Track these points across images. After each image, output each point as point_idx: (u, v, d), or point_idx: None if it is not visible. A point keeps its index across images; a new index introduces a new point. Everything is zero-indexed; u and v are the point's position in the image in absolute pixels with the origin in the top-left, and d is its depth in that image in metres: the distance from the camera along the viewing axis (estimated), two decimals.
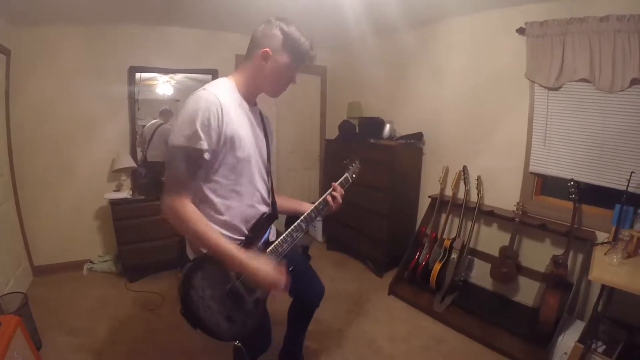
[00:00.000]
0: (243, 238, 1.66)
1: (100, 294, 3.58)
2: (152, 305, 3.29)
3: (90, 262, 4.11)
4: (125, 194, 3.82)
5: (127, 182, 4.05)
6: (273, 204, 1.88)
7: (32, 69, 3.64)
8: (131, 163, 3.97)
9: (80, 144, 3.96)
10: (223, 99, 1.43)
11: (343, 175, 2.05)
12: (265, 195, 1.76)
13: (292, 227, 1.73)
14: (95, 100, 3.93)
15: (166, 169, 1.45)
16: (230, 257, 1.44)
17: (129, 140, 4.17)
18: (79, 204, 4.04)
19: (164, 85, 4.31)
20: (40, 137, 3.78)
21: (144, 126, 4.21)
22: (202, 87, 1.46)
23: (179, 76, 4.34)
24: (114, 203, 3.70)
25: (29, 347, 2.32)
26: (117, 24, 3.88)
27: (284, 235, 1.71)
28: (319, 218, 1.87)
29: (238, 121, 1.51)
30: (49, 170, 3.87)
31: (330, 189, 1.87)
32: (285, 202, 1.95)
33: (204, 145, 1.38)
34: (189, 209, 1.43)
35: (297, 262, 1.80)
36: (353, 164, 2.12)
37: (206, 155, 1.40)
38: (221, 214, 1.59)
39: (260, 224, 1.74)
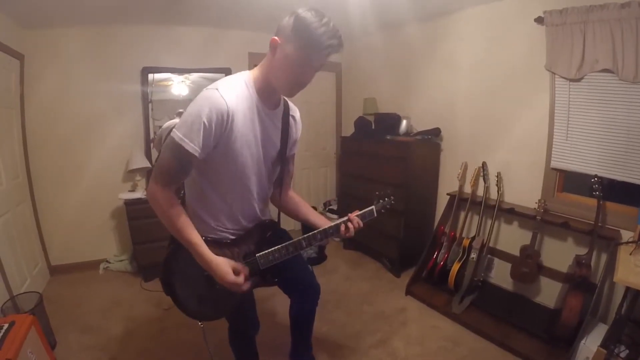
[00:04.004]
0: (233, 237, 1.68)
1: (115, 293, 3.62)
2: (166, 304, 3.28)
3: (107, 261, 4.17)
4: (140, 194, 3.85)
5: (142, 182, 4.08)
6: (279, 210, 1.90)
7: (45, 72, 3.70)
8: (146, 163, 3.99)
9: (95, 145, 4.01)
10: (231, 101, 1.38)
11: (370, 206, 1.89)
12: (262, 200, 1.75)
13: (290, 242, 1.67)
14: (109, 102, 3.98)
15: (159, 156, 1.44)
16: (196, 253, 1.45)
17: (144, 141, 4.21)
18: (94, 204, 4.10)
19: (179, 86, 4.33)
20: (54, 139, 3.84)
21: (160, 127, 4.23)
22: (214, 86, 1.40)
23: (194, 76, 4.35)
24: (128, 203, 3.74)
25: (42, 345, 2.35)
26: (128, 25, 3.92)
27: (279, 246, 1.65)
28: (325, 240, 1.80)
29: (244, 126, 1.45)
30: (64, 171, 3.94)
31: (346, 218, 1.75)
32: (302, 211, 1.91)
33: (197, 150, 1.35)
34: (170, 202, 1.42)
35: (290, 262, 1.74)
36: (386, 198, 1.96)
37: (199, 156, 1.38)
38: (212, 210, 1.62)
39: (256, 228, 1.75)
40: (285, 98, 1.68)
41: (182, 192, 1.74)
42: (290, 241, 1.66)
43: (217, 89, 1.37)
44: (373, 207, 1.88)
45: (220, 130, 1.38)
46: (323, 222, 1.79)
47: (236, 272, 1.50)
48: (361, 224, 1.76)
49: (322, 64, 1.42)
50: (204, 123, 1.33)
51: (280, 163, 1.74)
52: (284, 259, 1.67)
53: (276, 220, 1.91)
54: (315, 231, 1.70)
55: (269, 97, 1.53)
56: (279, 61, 1.40)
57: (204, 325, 1.86)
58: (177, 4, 3.39)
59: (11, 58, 3.34)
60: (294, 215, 1.93)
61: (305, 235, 1.68)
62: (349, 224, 1.72)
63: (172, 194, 1.43)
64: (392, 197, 1.97)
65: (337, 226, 1.72)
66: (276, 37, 1.38)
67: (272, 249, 1.64)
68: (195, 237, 1.45)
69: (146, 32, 4.03)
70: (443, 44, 3.86)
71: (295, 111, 1.77)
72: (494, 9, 3.31)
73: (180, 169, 1.41)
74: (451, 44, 3.77)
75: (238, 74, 1.51)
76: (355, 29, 4.28)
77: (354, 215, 1.76)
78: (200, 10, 3.64)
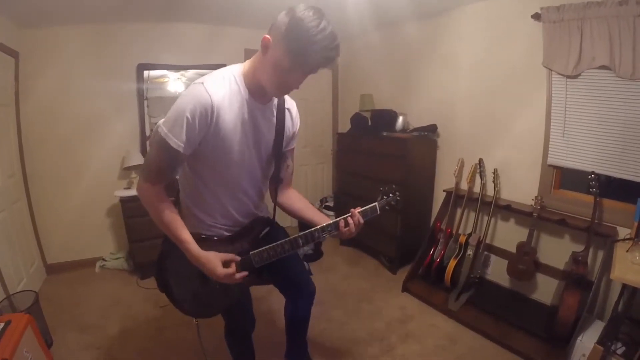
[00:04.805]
0: (228, 233, 1.67)
1: (111, 292, 3.62)
2: (163, 302, 3.24)
3: (103, 259, 4.15)
4: (136, 191, 3.80)
5: (137, 180, 4.03)
6: (275, 207, 1.85)
7: (41, 70, 3.67)
8: (141, 160, 3.95)
9: (90, 143, 4.00)
10: (217, 96, 1.35)
11: (374, 202, 1.77)
12: (256, 196, 1.72)
13: (286, 239, 1.62)
14: (104, 99, 3.96)
15: (148, 152, 1.44)
16: (185, 249, 1.45)
17: (139, 138, 4.19)
18: (90, 202, 4.09)
19: (175, 83, 4.30)
20: (50, 137, 3.82)
21: (156, 124, 4.21)
22: (201, 80, 1.37)
23: (190, 73, 4.32)
24: (124, 200, 3.73)
25: (39, 345, 2.34)
26: (123, 22, 3.88)
27: (274, 244, 1.61)
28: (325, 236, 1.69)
29: (232, 121, 1.42)
30: (60, 169, 3.92)
31: (348, 214, 1.66)
32: (302, 208, 1.84)
33: (182, 145, 1.34)
34: (159, 198, 1.43)
35: (286, 261, 1.72)
36: (390, 194, 1.84)
37: (183, 152, 1.36)
38: (205, 206, 1.61)
39: (252, 224, 1.73)
40: None
41: (177, 190, 1.73)
42: (286, 239, 1.62)
43: (202, 83, 1.35)
44: (376, 203, 1.77)
45: (204, 125, 1.35)
46: (324, 220, 1.71)
47: (226, 265, 1.48)
48: (361, 221, 1.67)
49: (314, 72, 1.34)
50: (187, 118, 1.31)
51: (275, 158, 1.69)
52: (279, 257, 1.63)
53: (272, 216, 1.88)
54: (313, 229, 1.64)
55: (260, 91, 1.47)
56: (270, 62, 1.32)
57: (199, 323, 1.87)
58: (174, 1, 3.37)
59: (6, 56, 3.32)
60: (293, 213, 1.85)
61: (302, 233, 1.63)
62: (349, 219, 1.64)
63: (160, 190, 1.43)
64: (397, 193, 1.85)
65: (336, 223, 1.64)
66: (269, 36, 1.30)
67: (267, 246, 1.61)
68: (184, 234, 1.44)
69: (141, 29, 4.00)
70: (440, 42, 3.84)
71: (291, 104, 1.71)
72: (492, 6, 3.29)
73: (167, 164, 1.39)
74: (449, 41, 3.75)
75: (228, 67, 1.47)
76: (352, 27, 4.25)
77: (356, 210, 1.67)
78: (198, 8, 3.62)
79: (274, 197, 1.84)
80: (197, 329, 1.98)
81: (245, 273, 1.52)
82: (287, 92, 1.44)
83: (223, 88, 1.39)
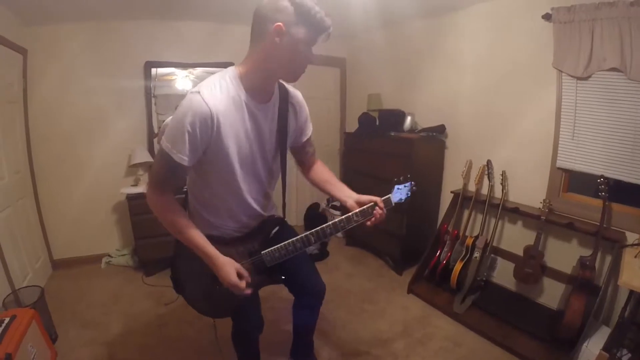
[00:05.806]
0: (238, 234, 1.69)
1: (116, 288, 3.63)
2: (167, 300, 3.28)
3: (109, 255, 4.17)
4: (142, 188, 3.83)
5: (144, 177, 4.07)
6: (284, 206, 1.86)
7: (48, 68, 3.69)
8: (148, 158, 3.98)
9: (97, 140, 4.01)
10: (215, 103, 1.34)
11: (386, 194, 1.72)
12: (262, 196, 1.72)
13: (298, 237, 1.63)
14: (112, 97, 3.97)
15: (154, 161, 1.45)
16: (202, 253, 1.47)
17: (146, 136, 4.21)
18: (97, 199, 4.10)
19: (183, 80, 4.31)
20: (57, 134, 3.84)
21: (164, 121, 4.22)
22: (197, 88, 1.36)
23: (198, 70, 4.32)
24: (130, 198, 3.74)
25: (43, 340, 2.36)
26: (131, 20, 3.89)
27: (285, 242, 1.63)
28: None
29: (232, 126, 1.42)
30: (67, 165, 3.94)
31: (371, 209, 1.63)
32: (327, 180, 1.86)
33: (185, 159, 1.36)
34: (169, 207, 1.44)
35: (296, 261, 1.73)
36: (405, 185, 1.78)
37: (188, 164, 1.38)
38: (212, 208, 1.63)
39: (262, 225, 1.73)
40: (285, 85, 1.65)
41: (185, 190, 1.73)
42: (298, 237, 1.64)
43: (199, 92, 1.34)
44: (390, 195, 1.73)
45: (206, 135, 1.36)
46: (346, 194, 1.75)
47: (240, 277, 1.49)
48: (384, 215, 1.66)
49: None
50: (188, 131, 1.31)
51: (280, 155, 1.71)
52: (291, 256, 1.65)
53: (282, 214, 1.89)
54: (324, 225, 1.63)
55: (260, 91, 1.49)
56: (289, 44, 1.37)
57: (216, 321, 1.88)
58: None
59: (15, 53, 3.34)
60: (319, 185, 1.88)
61: (313, 230, 1.63)
62: (376, 211, 1.63)
63: (169, 198, 1.44)
64: (413, 183, 1.79)
65: (349, 217, 1.64)
66: (280, 24, 1.33)
67: (279, 245, 1.63)
68: (198, 238, 1.46)
69: (149, 27, 4.01)
70: (447, 41, 3.81)
71: (294, 97, 1.70)
72: (500, 6, 3.26)
73: (172, 176, 1.42)
74: (456, 40, 3.72)
75: (221, 72, 1.47)
76: (359, 25, 4.24)
77: (380, 203, 1.65)
78: (204, 5, 3.62)
79: (305, 172, 1.94)
80: (215, 327, 1.99)
81: (250, 290, 1.53)
82: (303, 72, 1.49)
83: (220, 94, 1.38)
